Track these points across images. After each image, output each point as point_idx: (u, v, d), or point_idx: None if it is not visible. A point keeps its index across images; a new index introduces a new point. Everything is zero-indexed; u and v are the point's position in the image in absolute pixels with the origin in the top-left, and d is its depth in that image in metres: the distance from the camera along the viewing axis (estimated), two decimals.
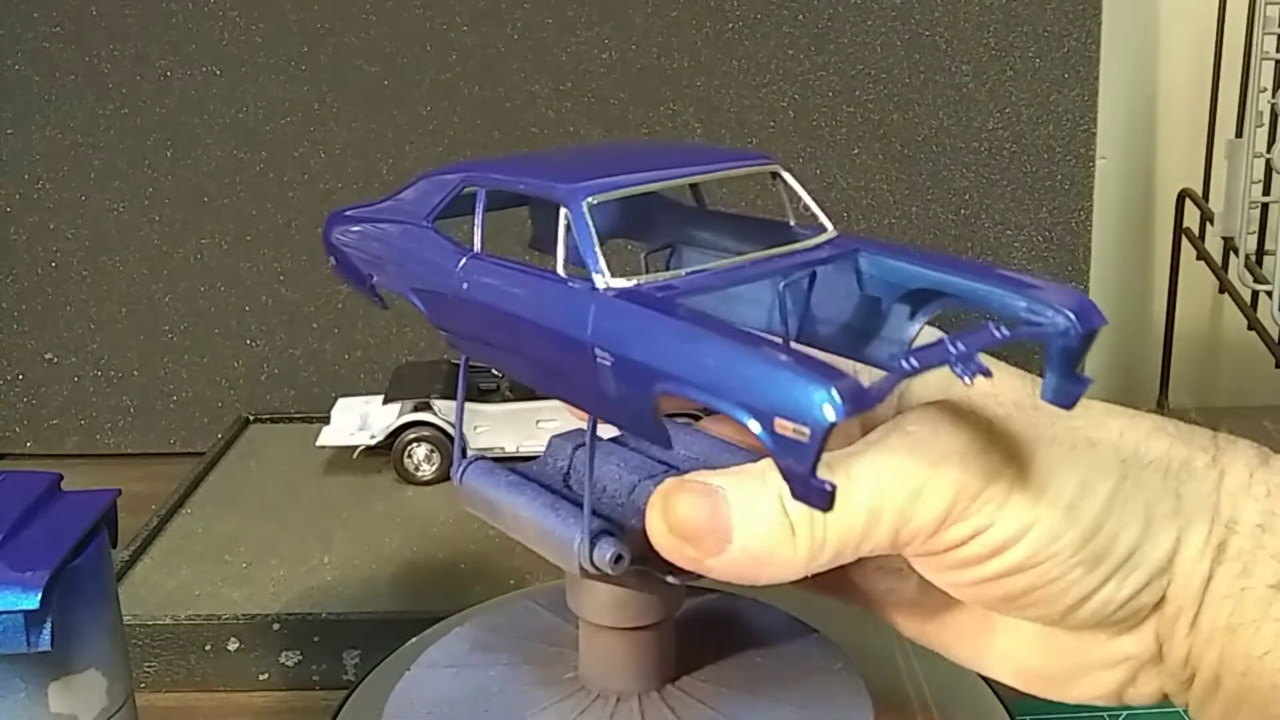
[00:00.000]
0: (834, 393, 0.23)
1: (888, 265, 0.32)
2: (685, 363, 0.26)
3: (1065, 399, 0.28)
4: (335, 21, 0.81)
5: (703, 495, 0.30)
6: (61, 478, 0.40)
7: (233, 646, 0.56)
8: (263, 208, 0.82)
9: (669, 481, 0.31)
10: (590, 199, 0.31)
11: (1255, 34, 0.75)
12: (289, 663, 0.56)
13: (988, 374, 0.26)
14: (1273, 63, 0.75)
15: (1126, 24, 0.87)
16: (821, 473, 0.25)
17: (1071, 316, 0.27)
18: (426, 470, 0.72)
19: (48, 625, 0.35)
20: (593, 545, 0.32)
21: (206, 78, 0.81)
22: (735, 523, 0.29)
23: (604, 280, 0.30)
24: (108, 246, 0.83)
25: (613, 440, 0.37)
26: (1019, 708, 0.43)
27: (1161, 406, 0.86)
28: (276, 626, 0.56)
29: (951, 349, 0.26)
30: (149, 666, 0.56)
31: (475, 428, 0.73)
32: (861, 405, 0.24)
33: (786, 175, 0.35)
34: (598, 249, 0.31)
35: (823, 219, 0.34)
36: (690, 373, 0.26)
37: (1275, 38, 0.75)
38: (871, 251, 0.32)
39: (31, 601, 0.34)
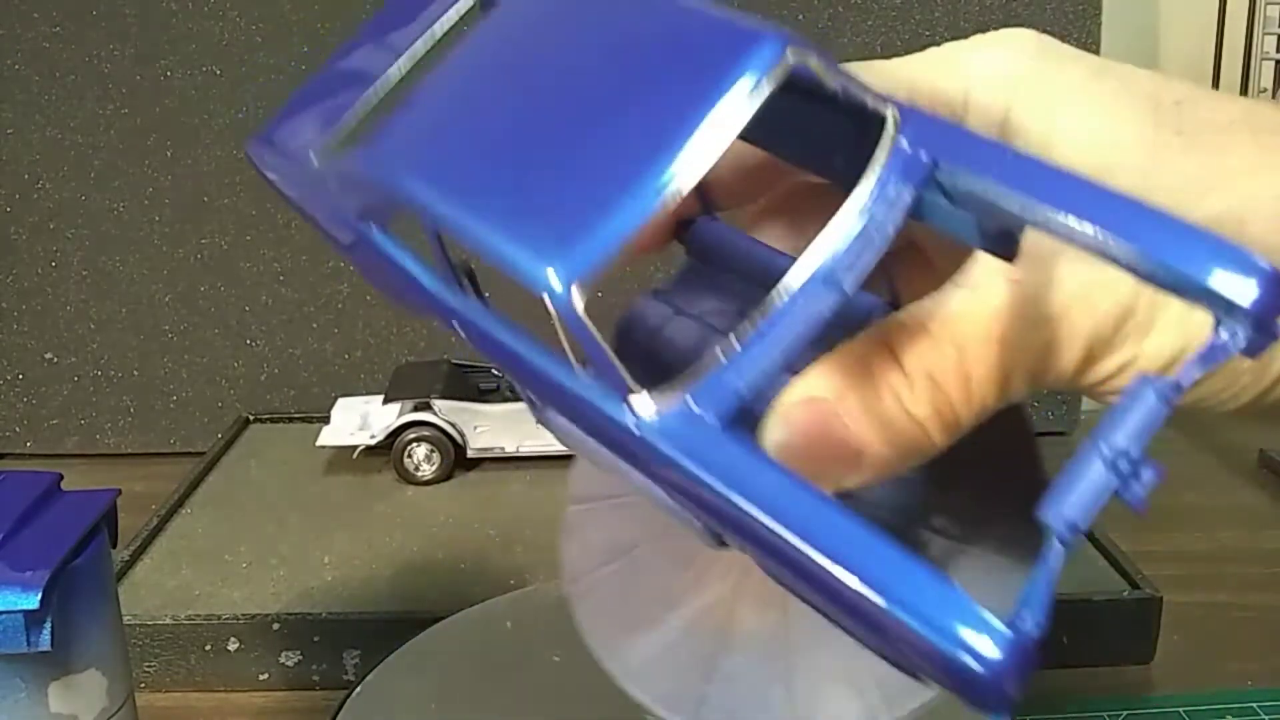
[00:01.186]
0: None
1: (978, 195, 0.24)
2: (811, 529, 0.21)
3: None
4: (335, 21, 0.81)
5: (816, 418, 0.26)
6: (61, 478, 0.40)
7: (233, 646, 0.56)
8: (263, 208, 0.82)
9: (774, 416, 0.25)
10: (580, 280, 0.22)
11: (1255, 34, 0.75)
12: (289, 663, 0.56)
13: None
14: (1273, 63, 0.75)
15: (1126, 24, 0.87)
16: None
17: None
18: (426, 470, 0.72)
19: (48, 625, 0.35)
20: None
21: (206, 78, 0.81)
22: (862, 441, 0.26)
23: (641, 410, 0.23)
24: (108, 246, 0.83)
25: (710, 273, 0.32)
26: (1019, 708, 0.43)
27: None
28: (276, 626, 0.56)
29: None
30: (149, 666, 0.56)
31: (475, 428, 0.73)
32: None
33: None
34: (614, 360, 0.23)
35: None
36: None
37: (1275, 38, 0.75)
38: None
39: (31, 601, 0.34)
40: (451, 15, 0.31)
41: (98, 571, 0.38)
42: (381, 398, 0.75)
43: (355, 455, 0.73)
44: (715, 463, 0.22)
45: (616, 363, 0.22)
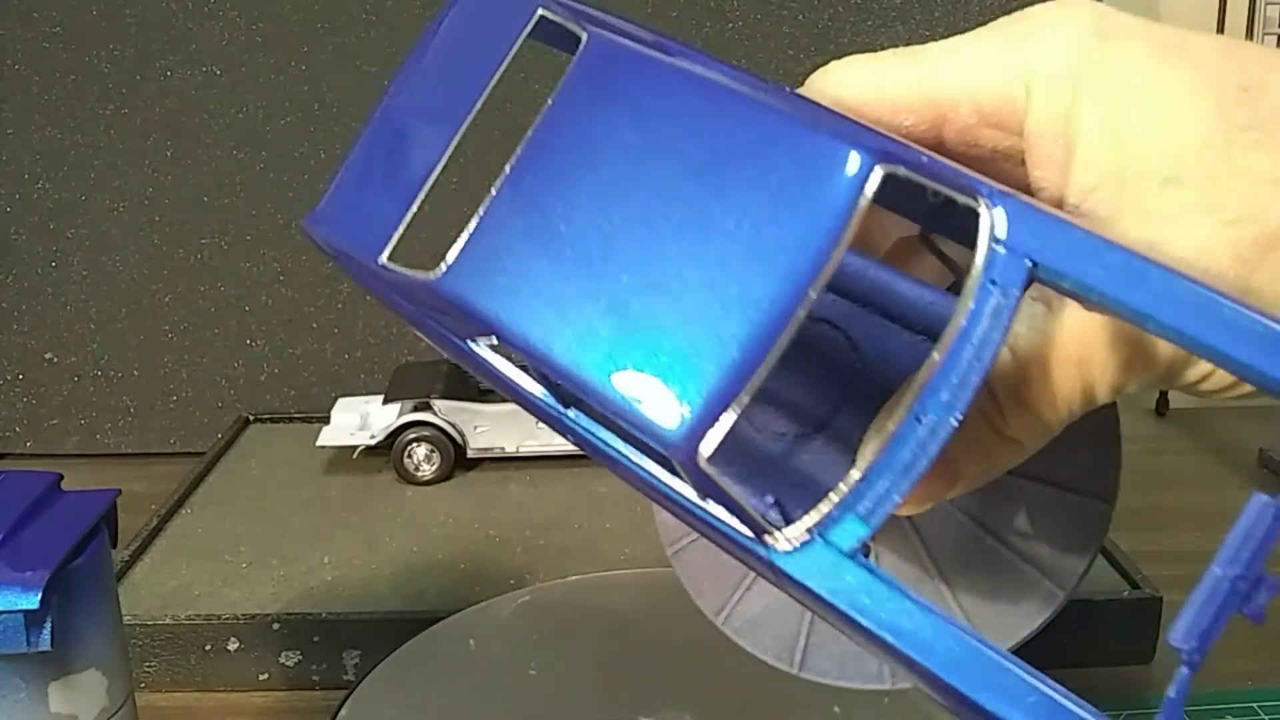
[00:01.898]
0: None
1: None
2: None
3: None
4: (335, 21, 0.81)
5: None
6: (61, 478, 0.40)
7: (233, 646, 0.56)
8: (263, 208, 0.82)
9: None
10: (703, 434, 0.22)
11: (1255, 34, 0.75)
12: (289, 663, 0.56)
13: None
14: None
15: None
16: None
17: None
18: (426, 470, 0.72)
19: (48, 625, 0.35)
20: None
21: (206, 78, 0.81)
22: (958, 463, 0.27)
23: (775, 544, 0.24)
24: (108, 246, 0.83)
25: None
26: None
27: (1161, 413, 0.86)
28: (276, 626, 0.56)
29: None
30: (149, 666, 0.56)
31: (475, 428, 0.73)
32: None
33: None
34: (748, 508, 0.24)
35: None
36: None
37: (1275, 38, 0.75)
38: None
39: (31, 601, 0.34)
40: (506, 60, 0.31)
41: (98, 571, 0.38)
42: (381, 398, 0.75)
43: (355, 455, 0.73)
44: (843, 590, 0.23)
45: (751, 509, 0.24)
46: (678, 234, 0.23)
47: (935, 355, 0.23)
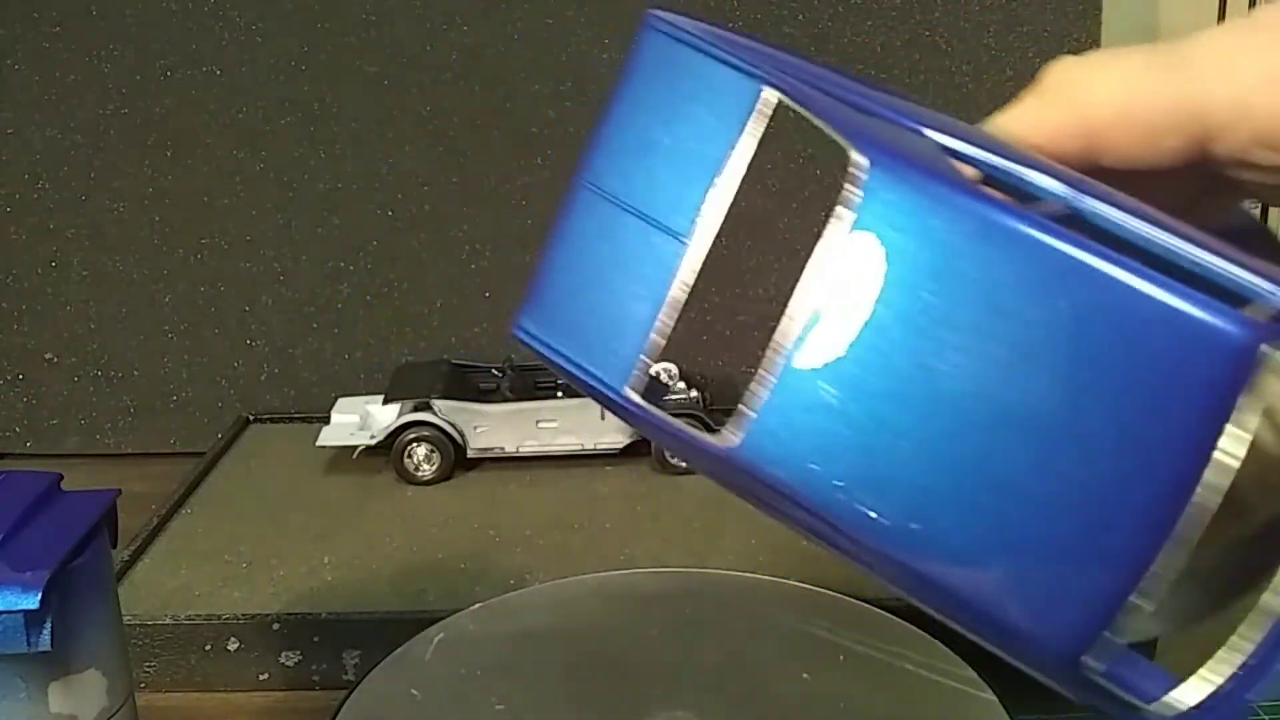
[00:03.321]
0: None
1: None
2: None
3: None
4: (335, 21, 0.81)
5: None
6: (61, 478, 0.40)
7: (233, 646, 0.56)
8: (263, 208, 0.82)
9: None
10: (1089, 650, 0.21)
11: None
12: (289, 663, 0.56)
13: None
14: None
15: (1126, 24, 0.87)
16: None
17: None
18: (426, 470, 0.72)
19: (48, 625, 0.35)
20: None
21: (206, 78, 0.81)
22: None
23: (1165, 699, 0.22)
24: (108, 246, 0.83)
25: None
26: (1019, 708, 0.43)
27: None
28: (276, 626, 0.56)
29: None
30: (149, 666, 0.56)
31: (475, 428, 0.73)
32: None
33: None
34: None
35: None
36: None
37: None
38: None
39: (31, 601, 0.34)
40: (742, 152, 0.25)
41: (98, 571, 0.38)
42: (381, 398, 0.75)
43: (355, 455, 0.73)
44: None
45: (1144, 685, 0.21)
46: (1051, 437, 0.21)
47: None
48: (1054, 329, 0.20)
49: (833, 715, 0.46)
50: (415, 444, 0.71)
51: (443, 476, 0.72)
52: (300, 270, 0.83)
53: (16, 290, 0.83)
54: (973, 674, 0.45)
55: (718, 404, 0.76)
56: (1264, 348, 0.19)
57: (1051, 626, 0.21)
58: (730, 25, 0.26)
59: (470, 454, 0.72)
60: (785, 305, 0.24)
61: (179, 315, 0.83)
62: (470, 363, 0.80)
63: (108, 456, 0.84)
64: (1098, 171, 0.26)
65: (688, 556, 0.62)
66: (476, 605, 0.52)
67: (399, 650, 0.48)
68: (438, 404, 0.73)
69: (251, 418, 0.82)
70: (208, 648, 0.56)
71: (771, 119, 0.25)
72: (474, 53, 0.82)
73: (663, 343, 0.26)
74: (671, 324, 0.26)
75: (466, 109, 0.82)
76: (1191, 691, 0.21)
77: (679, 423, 0.26)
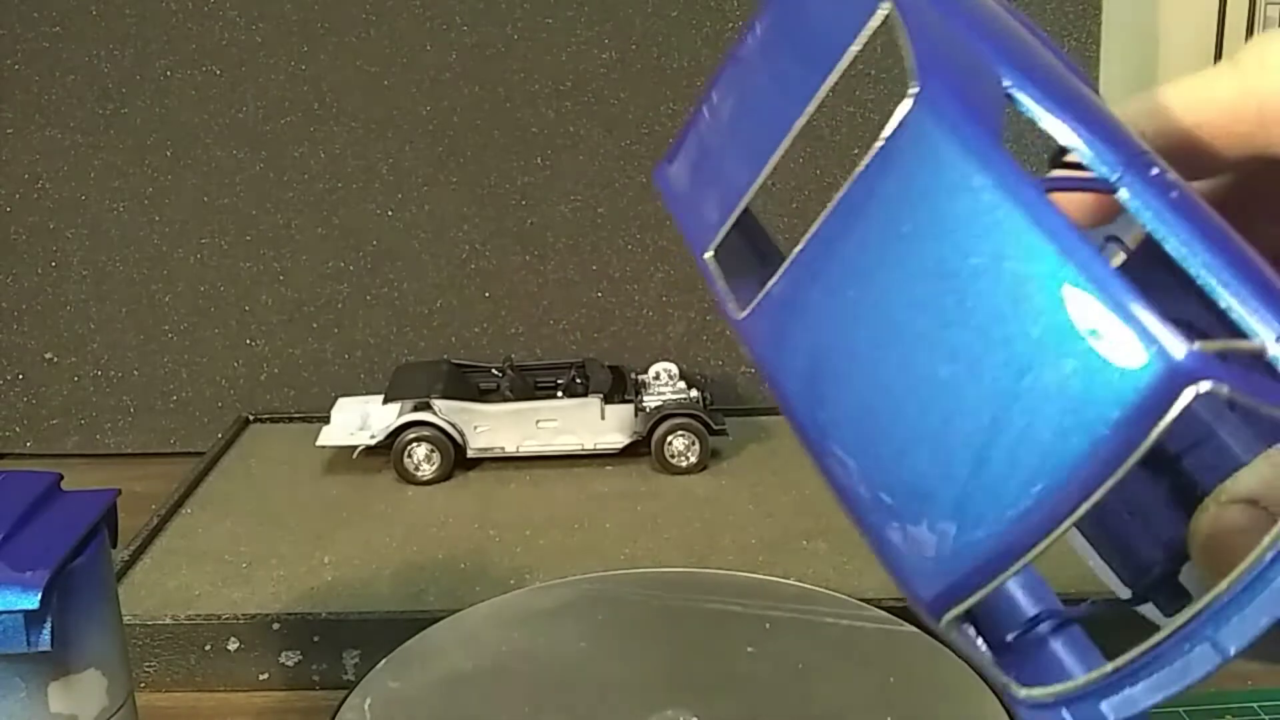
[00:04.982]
0: None
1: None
2: None
3: None
4: (335, 21, 0.81)
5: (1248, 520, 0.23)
6: (61, 478, 0.40)
7: (233, 646, 0.56)
8: (263, 208, 0.83)
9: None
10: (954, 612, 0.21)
11: (1255, 34, 0.75)
12: (289, 663, 0.56)
13: None
14: None
15: (1126, 24, 0.87)
16: None
17: None
18: (426, 470, 0.72)
19: (48, 625, 0.35)
20: None
21: (206, 78, 0.81)
22: None
23: (1018, 692, 0.22)
24: (108, 246, 0.83)
25: None
26: None
27: None
28: (276, 626, 0.56)
29: None
30: (149, 666, 0.56)
31: (475, 428, 0.73)
32: None
33: None
34: (988, 668, 0.22)
35: None
36: None
37: None
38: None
39: (31, 601, 0.34)
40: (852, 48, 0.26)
41: (98, 571, 0.38)
42: (381, 398, 0.75)
43: (355, 455, 0.73)
44: None
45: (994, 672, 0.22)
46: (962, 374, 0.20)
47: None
48: (994, 297, 0.20)
49: (833, 715, 0.46)
50: (415, 444, 0.71)
51: (443, 476, 0.72)
52: (300, 270, 0.83)
53: (16, 290, 0.83)
54: (974, 675, 0.45)
55: (718, 404, 0.76)
56: (1188, 390, 0.18)
57: (921, 575, 0.21)
58: None
59: (470, 454, 0.72)
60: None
61: (179, 315, 0.83)
62: (470, 363, 0.80)
63: (108, 456, 0.84)
64: (1269, 167, 0.25)
65: (688, 556, 0.62)
66: (478, 604, 0.52)
67: (399, 650, 0.48)
68: (438, 404, 0.73)
69: (251, 418, 0.82)
70: (208, 648, 0.56)
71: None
72: (474, 53, 0.82)
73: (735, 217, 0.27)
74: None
75: (466, 109, 0.82)
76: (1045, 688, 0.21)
77: (720, 284, 0.27)
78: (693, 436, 0.72)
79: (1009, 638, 0.24)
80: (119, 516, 0.40)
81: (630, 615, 0.52)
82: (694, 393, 0.75)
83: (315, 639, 0.56)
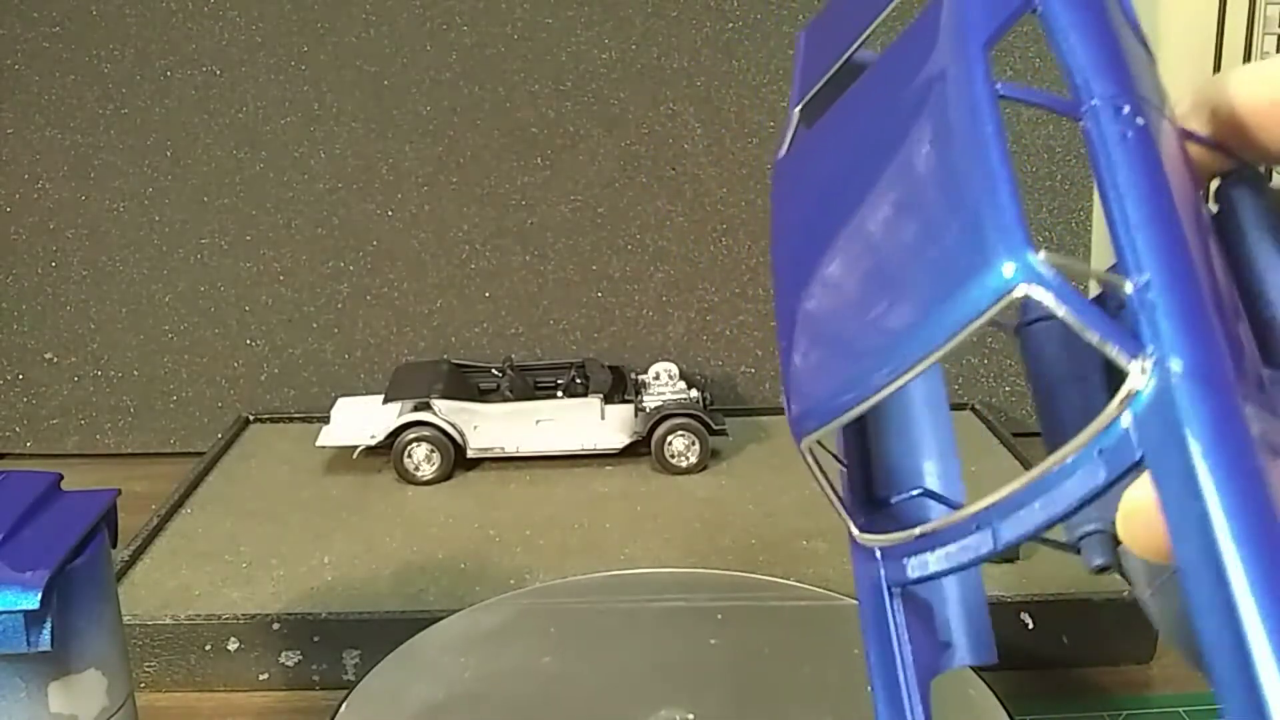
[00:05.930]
0: None
1: None
2: None
3: None
4: (335, 21, 0.81)
5: None
6: (61, 478, 0.40)
7: (233, 646, 0.56)
8: (263, 208, 0.83)
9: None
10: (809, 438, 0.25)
11: (1255, 34, 0.75)
12: (289, 663, 0.56)
13: None
14: None
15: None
16: None
17: None
18: (426, 470, 0.72)
19: (48, 625, 0.35)
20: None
21: (206, 78, 0.81)
22: None
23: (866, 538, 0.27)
24: (108, 246, 0.83)
25: None
26: (1019, 708, 0.43)
27: None
28: (276, 626, 0.56)
29: None
30: (149, 666, 0.56)
31: (475, 428, 0.73)
32: None
33: None
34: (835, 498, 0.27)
35: None
36: None
37: (1275, 38, 0.75)
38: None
39: (31, 601, 0.34)
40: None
41: (98, 571, 0.38)
42: (381, 398, 0.75)
43: (355, 455, 0.73)
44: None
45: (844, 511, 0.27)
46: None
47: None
48: (933, 180, 0.23)
49: (822, 691, 0.46)
50: (415, 444, 0.71)
51: (443, 476, 0.72)
52: (300, 270, 0.83)
53: (16, 290, 0.83)
54: (975, 677, 0.45)
55: (718, 404, 0.76)
56: (1021, 288, 0.20)
57: (795, 395, 0.25)
58: None
59: (470, 454, 0.72)
60: None
61: (179, 315, 0.83)
62: (470, 363, 0.80)
63: (108, 456, 0.84)
64: None
65: (688, 556, 0.62)
66: (479, 603, 0.52)
67: (399, 650, 0.48)
68: (438, 404, 0.73)
69: (251, 418, 0.82)
70: (208, 648, 0.56)
71: None
72: (474, 53, 0.82)
73: None
74: None
75: (466, 109, 0.82)
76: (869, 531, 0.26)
77: (788, 133, 0.32)
78: (693, 436, 0.72)
79: (892, 499, 0.29)
80: (119, 516, 0.40)
81: (580, 625, 0.51)
82: (694, 393, 0.75)
83: (315, 639, 0.56)
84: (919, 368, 0.22)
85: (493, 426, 0.73)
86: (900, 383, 0.22)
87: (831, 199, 0.26)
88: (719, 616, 0.51)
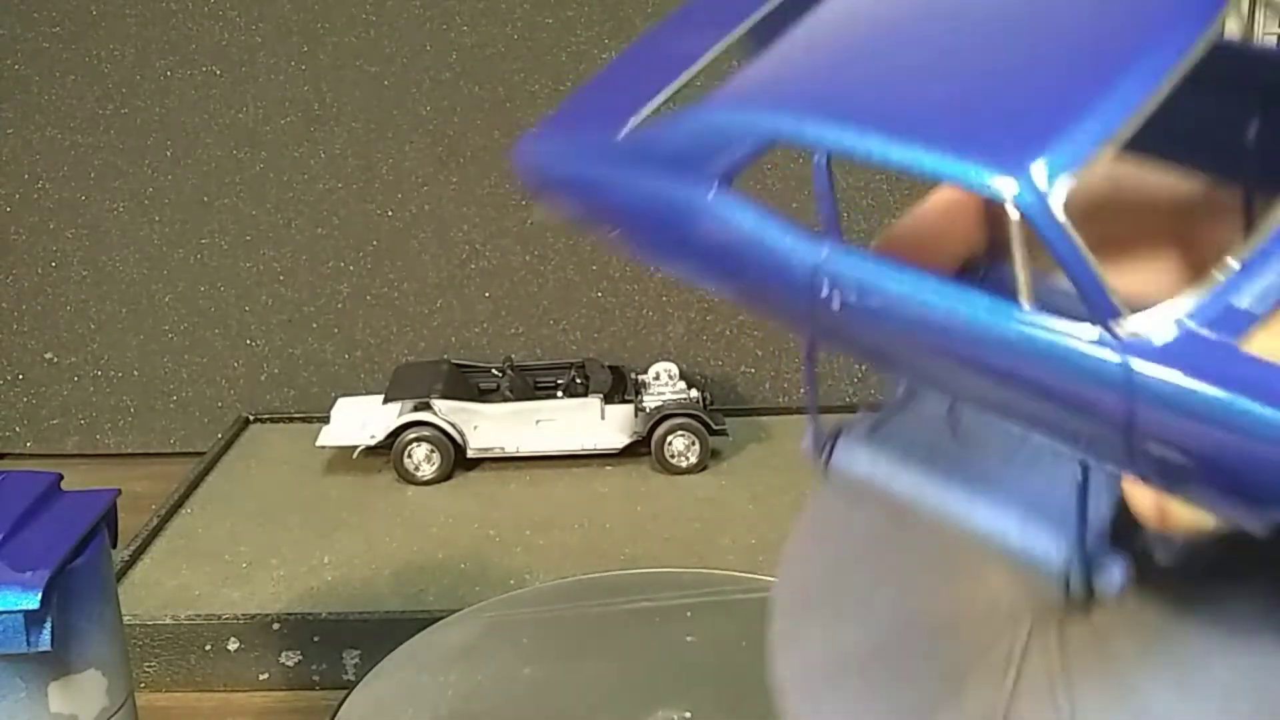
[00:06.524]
0: None
1: None
2: None
3: None
4: (335, 21, 0.81)
5: None
6: (61, 478, 0.40)
7: (233, 646, 0.56)
8: (263, 208, 0.82)
9: None
10: (1065, 180, 0.18)
11: (1255, 34, 0.75)
12: (289, 663, 0.56)
13: None
14: None
15: None
16: None
17: None
18: (426, 470, 0.72)
19: (48, 625, 0.35)
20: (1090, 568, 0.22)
21: (206, 78, 0.81)
22: None
23: (1134, 329, 0.19)
24: (108, 246, 0.83)
25: None
26: None
27: None
28: (276, 626, 0.56)
29: None
30: (149, 666, 0.56)
31: (475, 428, 0.73)
32: None
33: None
34: (1095, 270, 0.19)
35: None
36: None
37: (1276, 37, 0.75)
38: None
39: (31, 601, 0.34)
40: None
41: (98, 571, 0.38)
42: (381, 398, 0.75)
43: (355, 455, 0.73)
44: (1233, 379, 0.18)
45: (1103, 280, 0.19)
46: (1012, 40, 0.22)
47: None
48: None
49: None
50: (415, 444, 0.71)
51: (443, 476, 0.72)
52: (300, 270, 0.83)
53: (16, 290, 0.83)
54: None
55: (718, 404, 0.76)
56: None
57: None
58: None
59: (470, 454, 0.72)
60: None
61: (179, 315, 0.83)
62: (470, 363, 0.80)
63: (108, 456, 0.84)
64: None
65: (688, 556, 0.62)
66: (479, 604, 0.52)
67: (398, 650, 0.48)
68: (438, 404, 0.73)
69: (251, 418, 0.82)
70: (208, 648, 0.56)
71: None
72: (474, 53, 0.82)
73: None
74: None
75: (466, 109, 0.82)
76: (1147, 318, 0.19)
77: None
78: (693, 436, 0.72)
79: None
80: (119, 516, 0.40)
81: (553, 633, 0.51)
82: (694, 393, 0.75)
83: (315, 639, 0.56)
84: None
85: (493, 426, 0.73)
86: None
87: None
88: (688, 614, 0.51)
